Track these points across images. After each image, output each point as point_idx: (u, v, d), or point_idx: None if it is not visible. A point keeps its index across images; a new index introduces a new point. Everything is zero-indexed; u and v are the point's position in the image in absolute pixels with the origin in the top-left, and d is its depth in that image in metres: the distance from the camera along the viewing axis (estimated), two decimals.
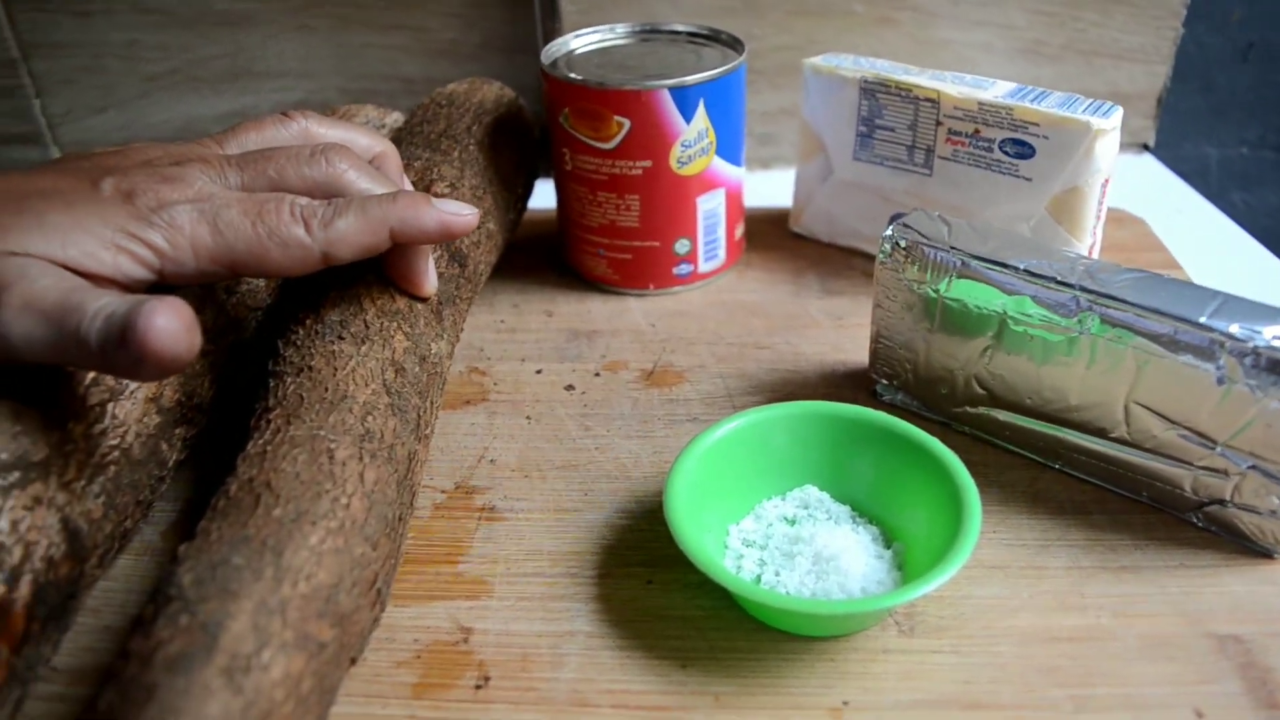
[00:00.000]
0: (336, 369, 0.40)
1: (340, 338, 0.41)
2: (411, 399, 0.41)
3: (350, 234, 0.38)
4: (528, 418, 0.49)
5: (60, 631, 0.36)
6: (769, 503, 0.42)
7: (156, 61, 0.76)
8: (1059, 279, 0.41)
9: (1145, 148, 0.80)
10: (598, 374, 0.52)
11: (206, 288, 0.45)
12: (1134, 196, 0.69)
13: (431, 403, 0.44)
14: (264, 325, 0.49)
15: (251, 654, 0.29)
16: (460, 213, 0.41)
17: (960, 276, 0.43)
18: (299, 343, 0.42)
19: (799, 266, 0.61)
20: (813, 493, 0.42)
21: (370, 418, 0.38)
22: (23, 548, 0.33)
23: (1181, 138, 0.85)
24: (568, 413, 0.49)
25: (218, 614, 0.30)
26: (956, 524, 0.36)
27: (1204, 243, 0.66)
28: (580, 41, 0.58)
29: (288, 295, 0.47)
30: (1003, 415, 0.44)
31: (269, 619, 0.30)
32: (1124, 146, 0.79)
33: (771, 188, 0.70)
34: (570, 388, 0.51)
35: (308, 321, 0.43)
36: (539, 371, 0.52)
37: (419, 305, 0.45)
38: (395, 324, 0.43)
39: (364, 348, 0.41)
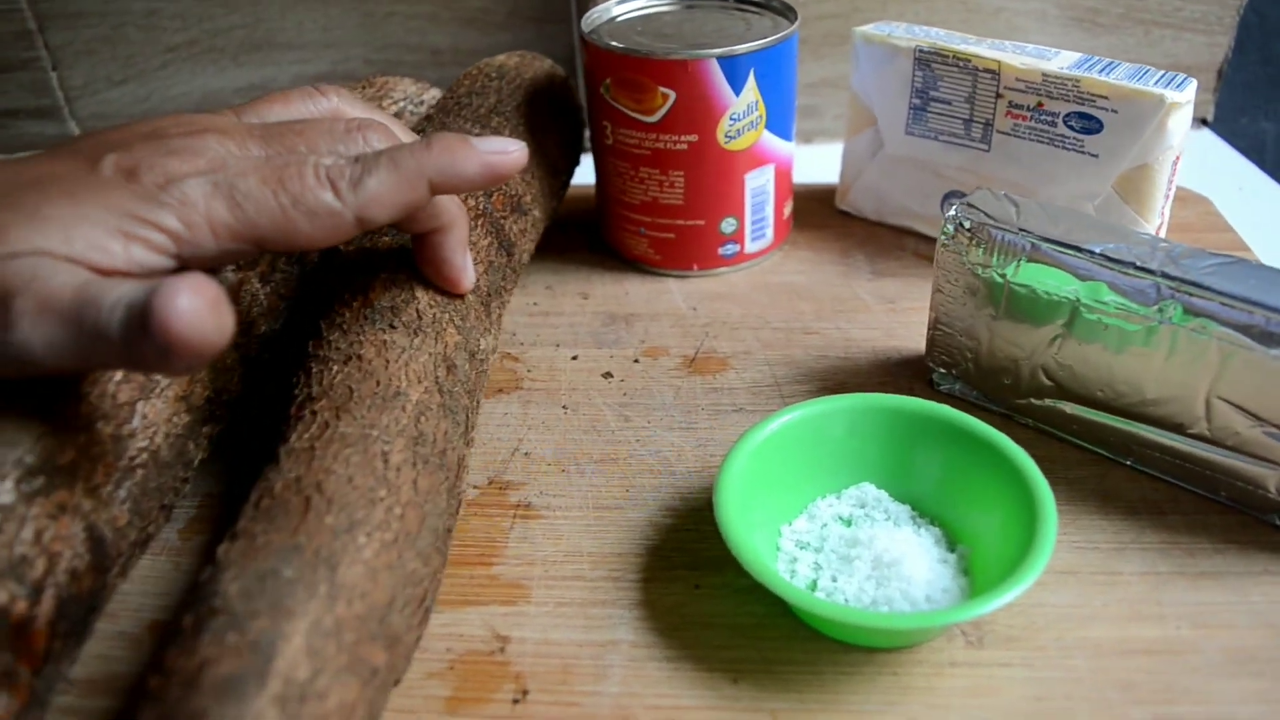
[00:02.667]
0: (388, 361, 0.37)
1: (392, 326, 0.38)
2: (461, 399, 0.39)
3: (385, 192, 0.34)
4: (564, 407, 0.46)
5: (78, 645, 0.34)
6: (823, 501, 0.39)
7: (176, 32, 0.74)
8: (1139, 264, 0.38)
9: (1204, 122, 0.76)
10: (637, 360, 0.49)
11: (242, 275, 0.43)
12: (1194, 174, 0.66)
13: (477, 402, 0.41)
14: (294, 313, 0.46)
15: (307, 681, 0.27)
16: (506, 150, 0.36)
17: (1030, 260, 0.40)
18: (345, 326, 0.39)
19: (846, 246, 0.58)
20: (870, 491, 0.39)
21: (423, 419, 0.36)
22: (46, 560, 0.31)
23: (1238, 112, 0.81)
24: (606, 402, 0.47)
25: (269, 633, 0.27)
26: (1030, 529, 0.34)
27: (1272, 222, 0.62)
28: (623, 8, 0.55)
29: (328, 271, 0.44)
30: (1070, 408, 0.42)
31: (324, 641, 0.28)
32: None
33: (813, 163, 0.67)
34: (608, 375, 0.48)
35: (354, 304, 0.40)
36: (575, 358, 0.50)
37: (470, 297, 0.43)
38: (447, 315, 0.41)
39: (416, 340, 0.38)
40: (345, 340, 0.38)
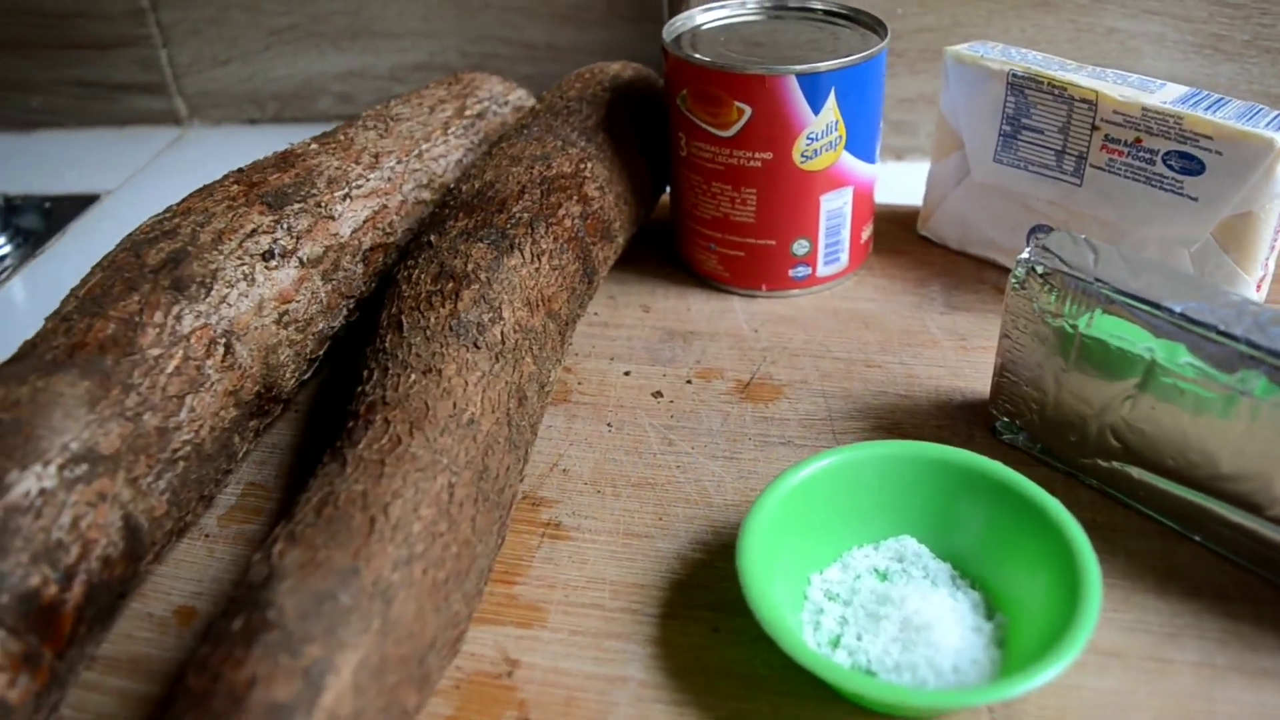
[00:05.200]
0: (467, 383, 0.37)
1: (476, 345, 0.38)
2: (525, 433, 0.38)
3: None
4: (608, 425, 0.45)
5: (105, 630, 0.34)
6: (859, 551, 0.38)
7: (280, 15, 0.75)
8: (1221, 329, 0.35)
9: None
10: (689, 381, 0.48)
11: (304, 272, 0.43)
12: None
13: (535, 435, 0.41)
14: (362, 310, 0.46)
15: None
16: None
17: (1105, 313, 0.38)
18: (429, 332, 0.38)
19: (923, 275, 0.56)
20: (910, 545, 0.37)
21: (490, 453, 0.36)
22: (80, 546, 0.32)
23: None
24: (652, 423, 0.45)
25: (321, 664, 0.27)
26: (1071, 606, 0.32)
27: None
28: (707, 16, 0.53)
29: (415, 251, 0.43)
30: (1139, 474, 0.39)
31: (370, 680, 0.28)
32: None
33: (903, 181, 0.64)
34: (658, 394, 0.47)
35: (443, 310, 0.39)
36: (627, 373, 0.49)
37: (550, 325, 0.42)
38: (528, 343, 0.40)
39: (497, 365, 0.38)
40: (428, 348, 0.38)
